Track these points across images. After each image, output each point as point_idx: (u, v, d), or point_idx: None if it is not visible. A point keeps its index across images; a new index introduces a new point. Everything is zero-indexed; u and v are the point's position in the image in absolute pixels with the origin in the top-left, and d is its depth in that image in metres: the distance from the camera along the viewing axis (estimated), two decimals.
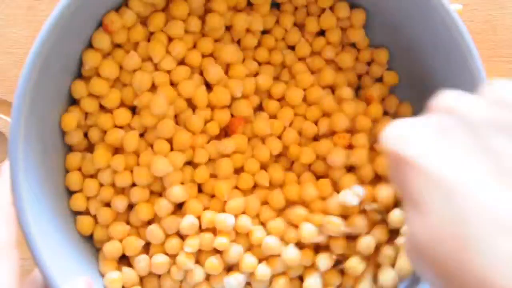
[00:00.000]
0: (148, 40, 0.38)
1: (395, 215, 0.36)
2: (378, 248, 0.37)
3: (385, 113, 0.41)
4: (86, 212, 0.38)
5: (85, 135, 0.38)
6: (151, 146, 0.38)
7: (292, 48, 0.41)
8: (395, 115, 0.41)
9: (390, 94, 0.41)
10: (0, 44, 0.44)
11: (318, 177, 0.39)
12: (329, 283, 0.37)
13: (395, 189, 0.36)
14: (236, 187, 0.38)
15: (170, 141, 0.37)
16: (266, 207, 0.38)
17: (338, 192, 0.37)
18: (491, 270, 0.19)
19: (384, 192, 0.36)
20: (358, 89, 0.41)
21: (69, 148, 0.38)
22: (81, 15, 0.34)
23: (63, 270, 0.33)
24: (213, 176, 0.38)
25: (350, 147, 0.38)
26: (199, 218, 0.37)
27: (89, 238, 0.38)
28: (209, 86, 0.39)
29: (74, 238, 0.37)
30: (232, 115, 0.39)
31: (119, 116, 0.37)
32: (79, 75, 0.38)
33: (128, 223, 0.38)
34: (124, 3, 0.37)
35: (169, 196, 0.37)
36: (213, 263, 0.36)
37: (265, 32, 0.40)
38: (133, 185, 0.38)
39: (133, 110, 0.38)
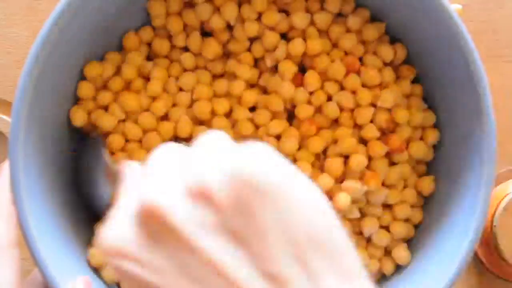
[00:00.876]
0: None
1: None
2: None
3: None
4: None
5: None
6: None
7: None
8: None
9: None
10: (0, 44, 0.44)
11: None
12: None
13: None
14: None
15: None
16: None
17: None
18: None
19: None
20: None
21: (69, 147, 0.38)
22: (81, 15, 0.34)
23: (63, 270, 0.33)
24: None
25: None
26: None
27: (89, 238, 0.38)
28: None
29: (74, 238, 0.37)
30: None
31: None
32: (81, 76, 0.38)
33: None
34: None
35: None
36: None
37: None
38: None
39: None
